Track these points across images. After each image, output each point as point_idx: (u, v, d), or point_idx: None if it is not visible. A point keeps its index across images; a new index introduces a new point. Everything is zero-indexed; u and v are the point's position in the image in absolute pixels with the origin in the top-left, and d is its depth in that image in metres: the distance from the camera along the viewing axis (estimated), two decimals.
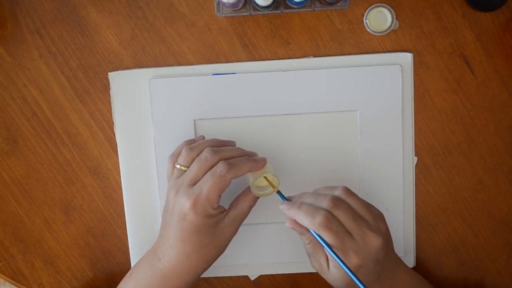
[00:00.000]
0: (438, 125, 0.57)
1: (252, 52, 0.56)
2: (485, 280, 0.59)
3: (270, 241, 0.57)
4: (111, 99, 0.57)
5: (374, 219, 0.47)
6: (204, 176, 0.47)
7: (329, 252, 0.44)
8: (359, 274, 0.45)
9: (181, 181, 0.48)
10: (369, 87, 0.55)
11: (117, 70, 0.56)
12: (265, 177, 0.49)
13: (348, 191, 0.47)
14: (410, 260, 0.58)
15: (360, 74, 0.55)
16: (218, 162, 0.47)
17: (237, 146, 0.53)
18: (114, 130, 0.57)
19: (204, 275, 0.58)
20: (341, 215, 0.45)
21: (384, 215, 0.57)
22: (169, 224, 0.48)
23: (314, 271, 0.54)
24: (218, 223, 0.48)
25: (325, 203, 0.45)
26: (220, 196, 0.47)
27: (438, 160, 0.57)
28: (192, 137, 0.56)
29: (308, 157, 0.56)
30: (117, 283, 0.59)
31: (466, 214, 0.58)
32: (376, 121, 0.55)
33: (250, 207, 0.51)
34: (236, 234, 0.57)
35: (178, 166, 0.49)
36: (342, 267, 0.44)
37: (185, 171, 0.48)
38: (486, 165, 0.57)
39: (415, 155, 0.57)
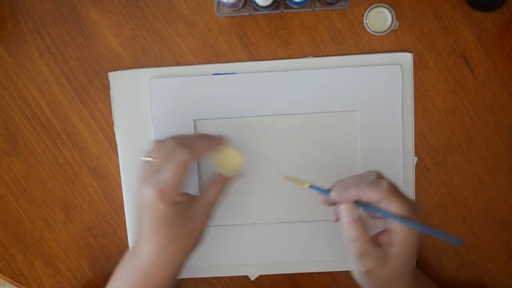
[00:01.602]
0: (438, 125, 0.57)
1: (252, 52, 0.56)
2: (485, 280, 0.59)
3: (270, 241, 0.57)
4: (111, 99, 0.57)
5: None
6: (165, 164, 0.47)
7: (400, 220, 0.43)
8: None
9: (147, 172, 0.48)
10: (369, 87, 0.55)
11: (117, 70, 0.56)
12: (288, 177, 0.48)
13: (381, 173, 0.47)
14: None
15: (360, 74, 0.55)
16: (187, 149, 0.47)
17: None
18: (114, 130, 0.57)
19: (204, 275, 0.58)
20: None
21: None
22: (142, 218, 0.48)
23: (314, 271, 0.55)
24: (189, 211, 0.48)
25: (373, 175, 0.45)
26: (183, 181, 0.47)
27: (438, 160, 0.57)
28: None
29: (308, 157, 0.56)
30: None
31: (466, 214, 0.58)
32: (376, 121, 0.55)
33: (218, 193, 0.51)
34: (236, 234, 0.57)
35: (144, 158, 0.49)
36: (418, 229, 0.43)
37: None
38: (486, 165, 0.57)
39: (415, 155, 0.57)
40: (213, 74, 0.56)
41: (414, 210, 0.44)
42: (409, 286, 0.46)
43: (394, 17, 0.54)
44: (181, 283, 0.59)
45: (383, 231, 0.45)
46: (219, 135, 0.51)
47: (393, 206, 0.43)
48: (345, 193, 0.45)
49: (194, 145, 0.48)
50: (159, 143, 0.49)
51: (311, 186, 0.48)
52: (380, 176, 0.46)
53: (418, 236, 0.44)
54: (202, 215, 0.49)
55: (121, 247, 0.59)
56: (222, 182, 0.51)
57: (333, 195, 0.45)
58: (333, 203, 0.47)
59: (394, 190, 0.44)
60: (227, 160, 0.50)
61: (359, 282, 0.46)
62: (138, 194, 0.48)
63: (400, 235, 0.43)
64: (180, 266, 0.50)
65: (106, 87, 0.57)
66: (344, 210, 0.44)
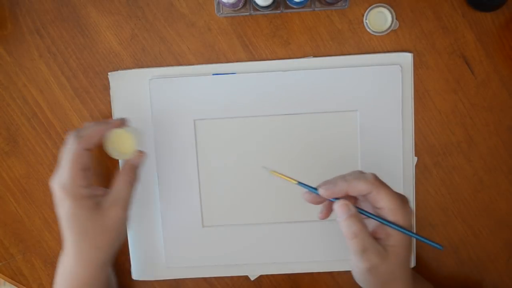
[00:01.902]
0: (438, 125, 0.57)
1: (252, 52, 0.56)
2: (485, 280, 0.59)
3: (270, 241, 0.57)
4: (111, 99, 0.57)
5: None
6: (61, 159, 0.47)
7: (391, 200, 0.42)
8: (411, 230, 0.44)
9: (55, 170, 0.48)
10: (369, 87, 0.55)
11: (117, 70, 0.56)
12: (275, 173, 0.47)
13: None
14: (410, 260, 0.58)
15: (360, 74, 0.55)
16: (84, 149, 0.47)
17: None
18: None
19: (204, 275, 0.58)
20: None
21: None
22: (56, 211, 0.48)
23: (314, 271, 0.55)
24: (98, 205, 0.48)
25: (357, 171, 0.45)
26: (84, 172, 0.47)
27: (438, 160, 0.57)
28: (192, 137, 0.56)
29: (308, 157, 0.56)
30: (117, 283, 0.59)
31: (466, 214, 0.58)
32: (376, 121, 0.55)
33: (129, 184, 0.50)
34: (236, 234, 0.57)
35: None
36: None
37: None
38: (486, 165, 0.57)
39: (415, 155, 0.57)
40: (213, 74, 0.56)
41: (403, 200, 0.44)
42: (409, 283, 0.46)
43: (394, 17, 0.54)
44: (181, 283, 0.59)
45: (378, 225, 0.44)
46: (117, 118, 0.50)
47: (382, 196, 0.42)
48: (333, 188, 0.44)
49: (83, 132, 0.48)
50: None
51: (299, 183, 0.47)
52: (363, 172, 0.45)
53: (411, 224, 0.44)
54: (114, 209, 0.48)
55: (121, 247, 0.59)
56: (129, 172, 0.50)
57: (321, 192, 0.44)
58: (320, 201, 0.46)
59: (381, 181, 0.43)
60: (119, 142, 0.49)
61: (360, 281, 0.45)
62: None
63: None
64: (102, 264, 0.49)
65: (106, 87, 0.57)
66: (340, 208, 0.43)
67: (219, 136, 0.56)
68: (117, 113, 0.56)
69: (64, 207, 0.47)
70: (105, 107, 0.57)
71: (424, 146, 0.57)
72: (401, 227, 0.42)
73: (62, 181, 0.47)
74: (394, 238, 0.43)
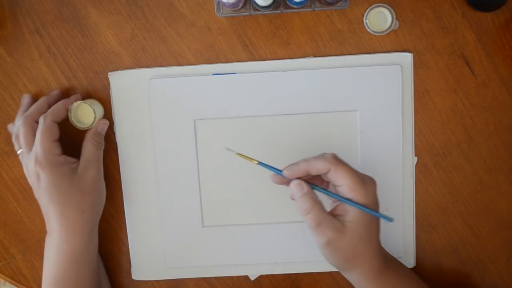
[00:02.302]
0: (438, 125, 0.57)
1: (252, 52, 0.56)
2: (485, 280, 0.59)
3: (270, 241, 0.57)
4: (111, 99, 0.57)
5: None
6: (32, 134, 0.51)
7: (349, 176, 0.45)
8: (378, 209, 0.45)
9: (22, 151, 0.51)
10: (369, 87, 0.55)
11: (117, 70, 0.56)
12: (240, 154, 0.50)
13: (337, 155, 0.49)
14: (410, 260, 0.58)
15: (360, 74, 0.55)
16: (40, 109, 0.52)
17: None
18: (114, 130, 0.57)
19: (204, 275, 0.58)
20: None
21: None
22: (37, 195, 0.50)
23: (314, 271, 0.55)
24: (74, 171, 0.50)
25: (329, 155, 0.46)
26: (55, 142, 0.50)
27: (438, 160, 0.57)
28: (192, 137, 0.56)
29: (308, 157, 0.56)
30: (117, 283, 0.59)
31: (466, 214, 0.58)
32: (376, 121, 0.55)
33: (97, 147, 0.53)
34: (236, 234, 0.57)
35: (11, 132, 0.53)
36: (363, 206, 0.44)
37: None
38: (486, 165, 0.57)
39: (415, 155, 0.57)
40: (213, 74, 0.56)
41: (362, 179, 0.45)
42: (376, 260, 0.47)
43: (394, 17, 0.54)
44: (181, 283, 0.59)
45: (338, 203, 0.47)
46: (75, 95, 0.55)
47: (340, 173, 0.45)
48: (296, 168, 0.46)
49: (51, 108, 0.51)
50: (21, 116, 0.52)
51: (260, 163, 0.49)
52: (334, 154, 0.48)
53: (373, 200, 0.45)
54: (88, 171, 0.51)
55: (121, 247, 0.59)
56: (95, 136, 0.53)
57: (285, 172, 0.47)
58: (286, 182, 0.48)
59: (340, 160, 0.46)
60: (82, 114, 0.53)
61: (327, 258, 0.47)
62: (26, 173, 0.51)
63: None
64: (89, 231, 0.51)
65: (106, 87, 0.57)
66: (294, 187, 0.46)
67: (219, 136, 0.56)
68: (117, 113, 0.56)
69: (43, 179, 0.49)
70: (105, 107, 0.57)
71: (424, 146, 0.57)
72: (357, 203, 0.44)
73: (38, 156, 0.49)
74: (352, 214, 0.45)
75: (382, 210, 0.56)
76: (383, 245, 0.57)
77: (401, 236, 0.57)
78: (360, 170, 0.55)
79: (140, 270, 0.58)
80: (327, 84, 0.55)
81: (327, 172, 0.45)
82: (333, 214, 0.46)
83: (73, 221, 0.50)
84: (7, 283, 0.60)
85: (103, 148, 0.54)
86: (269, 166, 0.49)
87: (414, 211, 0.57)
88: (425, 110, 0.56)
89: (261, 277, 0.59)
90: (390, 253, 0.56)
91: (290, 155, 0.56)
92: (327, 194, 0.47)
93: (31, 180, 0.50)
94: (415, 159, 0.57)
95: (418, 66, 0.56)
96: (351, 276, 0.48)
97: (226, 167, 0.56)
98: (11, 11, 0.56)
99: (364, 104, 0.55)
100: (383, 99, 0.55)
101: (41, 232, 0.59)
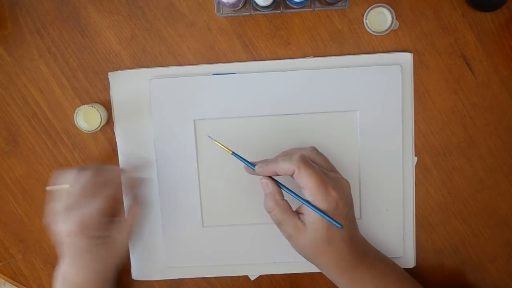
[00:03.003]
0: (438, 125, 0.57)
1: (252, 52, 0.56)
2: (485, 280, 0.59)
3: (270, 241, 0.57)
4: (111, 99, 0.56)
5: (340, 174, 0.51)
6: (87, 199, 0.49)
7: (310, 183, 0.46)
8: (336, 216, 0.46)
9: (62, 203, 0.48)
10: (369, 87, 0.55)
11: (117, 70, 0.56)
12: (218, 143, 0.52)
13: (316, 150, 0.51)
14: (410, 260, 0.58)
15: (360, 74, 0.55)
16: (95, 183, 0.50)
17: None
18: (114, 130, 0.57)
19: (204, 275, 0.58)
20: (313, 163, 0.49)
21: (384, 215, 0.57)
22: (62, 247, 0.49)
23: (314, 271, 0.55)
24: (108, 237, 0.50)
25: (295, 157, 0.47)
26: (104, 218, 0.49)
27: (438, 160, 0.57)
28: (192, 137, 0.56)
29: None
30: (118, 283, 0.59)
31: (466, 214, 0.58)
32: (376, 121, 0.55)
33: (140, 213, 0.54)
34: (236, 234, 0.57)
35: (57, 187, 0.50)
36: (317, 211, 0.46)
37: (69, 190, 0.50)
38: (486, 165, 0.57)
39: (415, 155, 0.57)
40: (213, 74, 0.56)
41: (324, 184, 0.46)
42: (345, 261, 0.48)
43: (394, 17, 0.54)
44: (181, 283, 0.59)
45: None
46: (141, 162, 0.55)
47: (302, 177, 0.46)
48: (264, 168, 0.49)
49: (113, 178, 0.51)
50: (76, 173, 0.50)
51: (233, 153, 0.51)
52: (312, 150, 0.50)
53: (333, 205, 0.46)
54: (124, 237, 0.51)
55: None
56: (132, 201, 0.54)
57: (256, 169, 0.49)
58: (257, 174, 0.50)
59: (306, 162, 0.46)
60: (88, 118, 0.54)
61: (296, 250, 0.50)
62: (51, 224, 0.49)
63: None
64: (107, 279, 0.51)
65: (106, 87, 0.57)
66: (262, 185, 0.49)
67: (219, 136, 0.56)
68: (117, 113, 0.56)
69: (75, 244, 0.48)
70: (105, 107, 0.57)
71: (424, 146, 0.57)
72: (315, 207, 0.46)
73: (85, 223, 0.48)
74: (312, 215, 0.46)
75: (382, 210, 0.56)
76: (383, 245, 0.57)
77: (401, 236, 0.57)
78: (360, 171, 0.56)
79: (140, 270, 0.58)
80: (327, 84, 0.55)
81: (292, 174, 0.47)
82: (298, 212, 0.48)
83: (101, 273, 0.50)
84: (7, 283, 0.60)
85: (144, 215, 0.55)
86: (243, 159, 0.51)
87: (414, 211, 0.57)
88: (425, 110, 0.56)
89: (261, 277, 0.59)
90: (390, 253, 0.56)
91: None
92: (291, 195, 0.48)
93: (58, 232, 0.49)
94: (415, 159, 0.57)
95: (418, 66, 0.56)
96: (321, 269, 0.51)
97: (226, 167, 0.56)
98: (11, 11, 0.56)
99: (364, 104, 0.55)
100: (383, 99, 0.55)
101: (41, 232, 0.59)
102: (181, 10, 0.55)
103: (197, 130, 0.56)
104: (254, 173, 0.50)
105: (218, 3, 0.53)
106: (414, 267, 0.58)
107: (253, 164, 0.50)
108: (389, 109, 0.55)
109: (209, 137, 0.53)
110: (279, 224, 0.49)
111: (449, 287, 0.59)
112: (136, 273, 0.59)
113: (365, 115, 0.55)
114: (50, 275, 0.59)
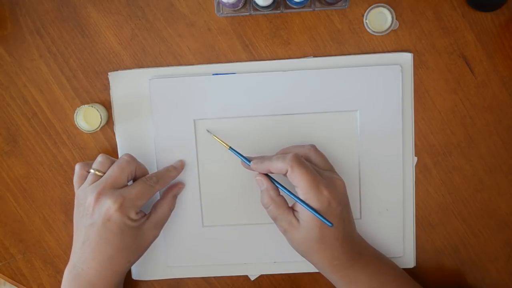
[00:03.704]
0: (438, 125, 0.57)
1: (252, 52, 0.56)
2: (485, 280, 0.59)
3: (270, 241, 0.57)
4: (111, 99, 0.57)
5: (337, 174, 0.51)
6: (135, 182, 0.50)
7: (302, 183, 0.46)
8: (328, 215, 0.47)
9: (103, 184, 0.49)
10: (369, 87, 0.55)
11: (117, 70, 0.56)
12: (216, 137, 0.54)
13: (315, 148, 0.51)
14: (410, 260, 0.58)
15: (360, 74, 0.55)
16: (135, 166, 0.51)
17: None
18: (114, 130, 0.57)
19: (204, 275, 0.58)
20: (309, 162, 0.49)
21: (384, 215, 0.57)
22: (89, 228, 0.48)
23: (314, 271, 0.55)
24: (140, 226, 0.50)
25: (289, 156, 0.48)
26: (144, 203, 0.50)
27: (438, 160, 0.57)
28: (192, 137, 0.56)
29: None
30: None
31: (466, 214, 0.58)
32: (376, 121, 0.55)
33: (170, 211, 0.54)
34: (236, 234, 0.57)
35: (93, 171, 0.50)
36: (309, 209, 0.46)
37: (100, 176, 0.50)
38: (486, 165, 0.57)
39: (415, 155, 0.57)
40: (213, 74, 0.56)
41: (317, 183, 0.46)
42: (339, 260, 0.49)
43: (394, 17, 0.54)
44: (181, 283, 0.59)
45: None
46: (179, 164, 0.56)
47: (295, 176, 0.47)
48: (259, 166, 0.49)
49: (164, 176, 0.53)
50: (108, 157, 0.52)
51: (230, 148, 0.53)
52: (310, 149, 0.51)
53: (326, 204, 0.47)
54: (152, 231, 0.52)
55: None
56: (172, 200, 0.54)
57: (251, 165, 0.50)
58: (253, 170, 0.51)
59: (299, 161, 0.47)
60: (88, 118, 0.54)
61: (291, 246, 0.51)
62: (88, 206, 0.49)
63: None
64: (123, 275, 0.52)
65: (106, 87, 0.57)
66: (257, 182, 0.50)
67: (219, 136, 0.56)
68: (117, 113, 0.56)
69: (113, 222, 0.48)
70: (105, 107, 0.57)
71: (424, 146, 0.57)
72: (307, 205, 0.47)
73: (126, 202, 0.48)
74: (306, 213, 0.47)
75: (382, 210, 0.56)
76: (383, 245, 0.57)
77: (401, 236, 0.57)
78: (360, 171, 0.56)
79: (140, 269, 0.58)
80: (327, 84, 0.55)
81: (286, 173, 0.47)
82: (293, 208, 0.49)
83: (116, 268, 0.50)
84: (7, 283, 0.60)
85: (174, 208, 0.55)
86: (240, 154, 0.52)
87: (414, 211, 0.57)
88: (425, 110, 0.56)
89: (261, 277, 0.59)
90: (390, 253, 0.56)
91: None
92: (285, 192, 0.49)
93: (91, 212, 0.48)
94: (415, 159, 0.57)
95: (418, 66, 0.56)
96: (316, 267, 0.51)
97: (226, 167, 0.56)
98: (11, 11, 0.56)
99: (364, 104, 0.55)
100: (383, 99, 0.55)
101: (41, 232, 0.59)
102: (181, 10, 0.55)
103: (197, 130, 0.56)
104: (249, 168, 0.51)
105: (218, 3, 0.53)
106: (414, 267, 0.58)
107: (249, 160, 0.51)
108: (389, 109, 0.55)
109: (208, 131, 0.55)
110: (274, 219, 0.50)
111: (449, 287, 0.59)
112: (136, 273, 0.59)
113: (365, 115, 0.55)
114: (50, 275, 0.59)
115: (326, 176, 0.49)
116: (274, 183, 0.50)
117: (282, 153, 0.51)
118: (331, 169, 0.52)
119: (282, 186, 0.50)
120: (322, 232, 0.47)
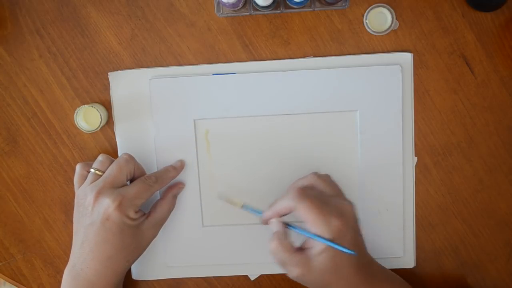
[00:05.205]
0: (438, 125, 0.57)
1: (252, 52, 0.56)
2: (485, 280, 0.59)
3: None
4: (111, 99, 0.57)
5: (344, 197, 0.50)
6: (134, 182, 0.51)
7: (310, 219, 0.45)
8: (342, 243, 0.46)
9: (102, 183, 0.49)
10: (369, 87, 0.55)
11: (117, 70, 0.56)
12: (227, 199, 0.54)
13: (317, 175, 0.50)
14: (410, 260, 0.58)
15: (360, 74, 0.55)
16: (135, 166, 0.51)
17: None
18: (114, 130, 0.57)
19: (204, 274, 0.58)
20: (313, 192, 0.48)
21: (384, 215, 0.57)
22: (89, 228, 0.49)
23: None
24: (139, 225, 0.51)
25: (291, 193, 0.47)
26: (143, 202, 0.50)
27: (438, 160, 0.57)
28: (192, 136, 0.56)
29: (308, 157, 0.56)
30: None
31: (466, 214, 0.58)
32: (376, 121, 0.55)
33: (169, 210, 0.54)
34: (236, 234, 0.57)
35: (93, 170, 0.51)
36: (321, 239, 0.45)
37: (100, 175, 0.50)
38: (486, 165, 0.57)
39: (415, 155, 0.57)
40: (213, 74, 0.56)
41: (324, 213, 0.45)
42: (355, 286, 0.48)
43: (394, 17, 0.54)
44: (181, 283, 0.59)
45: (308, 237, 0.47)
46: (179, 161, 0.56)
47: (301, 211, 0.46)
48: (269, 212, 0.49)
49: (163, 176, 0.53)
50: (108, 157, 0.52)
51: (244, 206, 0.53)
52: (313, 176, 0.50)
53: (338, 234, 0.45)
54: (151, 231, 0.52)
55: None
56: (172, 200, 0.54)
57: (263, 216, 0.50)
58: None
59: (303, 195, 0.46)
60: (88, 118, 0.54)
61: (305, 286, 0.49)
62: (88, 205, 0.49)
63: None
64: (122, 275, 0.52)
65: (106, 87, 0.57)
66: (271, 224, 0.49)
67: (219, 136, 0.56)
68: (117, 113, 0.56)
69: (112, 221, 0.48)
70: (105, 107, 0.57)
71: (424, 146, 0.57)
72: (320, 237, 0.45)
73: (125, 201, 0.48)
74: (318, 247, 0.45)
75: (382, 210, 0.56)
76: (383, 245, 0.57)
77: (401, 236, 0.57)
78: (360, 171, 0.56)
79: (140, 269, 0.58)
80: (327, 84, 0.55)
81: (292, 211, 0.47)
82: (304, 247, 0.47)
83: (115, 267, 0.50)
84: (7, 283, 0.60)
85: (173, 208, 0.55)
86: (252, 209, 0.52)
87: (414, 211, 0.57)
88: (425, 110, 0.56)
89: (261, 277, 0.59)
90: (390, 253, 0.56)
91: (290, 155, 0.56)
92: (298, 232, 0.48)
93: (91, 211, 0.49)
94: (415, 159, 0.57)
95: (418, 66, 0.56)
96: None
97: (226, 167, 0.56)
98: (11, 11, 0.56)
99: (364, 104, 0.55)
100: (383, 99, 0.55)
101: (41, 232, 0.59)
102: (181, 10, 0.55)
103: (197, 130, 0.56)
104: (264, 220, 0.50)
105: (218, 3, 0.53)
106: (414, 267, 0.58)
107: (260, 212, 0.51)
108: (389, 109, 0.55)
109: (219, 197, 0.55)
110: (282, 265, 0.47)
111: (449, 287, 0.59)
112: (136, 273, 0.59)
113: (365, 115, 0.55)
114: (50, 275, 0.59)
115: (333, 203, 0.47)
116: (288, 227, 0.49)
117: (288, 191, 0.49)
118: (338, 193, 0.50)
119: (294, 226, 0.49)
120: (336, 263, 0.46)
